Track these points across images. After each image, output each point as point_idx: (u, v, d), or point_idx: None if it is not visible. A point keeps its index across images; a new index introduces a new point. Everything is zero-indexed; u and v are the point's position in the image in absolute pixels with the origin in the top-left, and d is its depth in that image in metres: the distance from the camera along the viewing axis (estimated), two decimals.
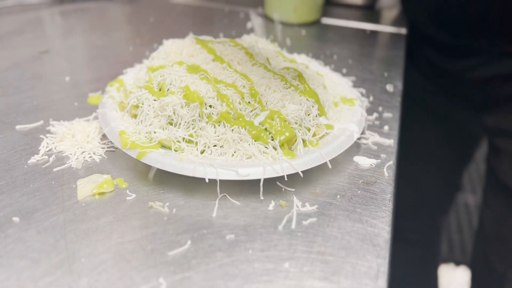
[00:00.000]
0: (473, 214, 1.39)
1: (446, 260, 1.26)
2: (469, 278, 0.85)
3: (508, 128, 0.67)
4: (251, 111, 0.41)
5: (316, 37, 0.75)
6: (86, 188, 0.38)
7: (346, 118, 0.45)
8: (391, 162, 0.43)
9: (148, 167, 0.40)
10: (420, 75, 0.76)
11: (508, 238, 0.70)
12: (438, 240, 0.96)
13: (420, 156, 0.83)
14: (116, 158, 0.42)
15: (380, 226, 0.35)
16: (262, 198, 0.37)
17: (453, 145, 0.82)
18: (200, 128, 0.39)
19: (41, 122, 0.47)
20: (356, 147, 0.45)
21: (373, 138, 0.46)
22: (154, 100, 0.42)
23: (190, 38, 0.50)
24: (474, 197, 1.45)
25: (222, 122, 0.40)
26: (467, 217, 1.40)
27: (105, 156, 0.42)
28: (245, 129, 0.39)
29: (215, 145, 0.39)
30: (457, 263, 1.26)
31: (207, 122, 0.39)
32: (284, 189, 0.39)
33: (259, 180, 0.37)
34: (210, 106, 0.40)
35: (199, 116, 0.40)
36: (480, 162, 1.26)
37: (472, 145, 0.84)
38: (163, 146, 0.40)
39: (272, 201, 0.37)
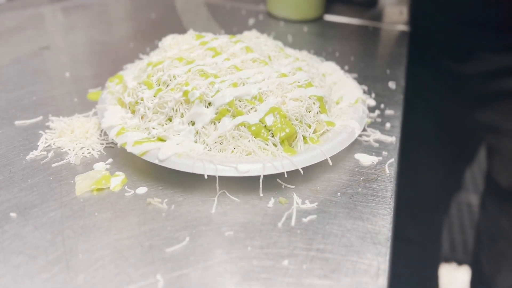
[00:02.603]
0: (475, 214, 1.39)
1: (448, 260, 1.26)
2: (468, 278, 0.84)
3: (499, 126, 0.67)
4: (251, 108, 0.40)
5: (318, 34, 0.74)
6: (84, 184, 0.37)
7: (347, 115, 0.44)
8: (393, 160, 0.42)
9: (147, 163, 0.39)
10: (423, 73, 0.75)
11: (497, 238, 0.69)
12: (438, 239, 0.95)
13: (421, 154, 0.83)
14: (115, 154, 0.41)
15: (381, 224, 0.35)
16: (261, 195, 0.37)
17: (455, 144, 0.81)
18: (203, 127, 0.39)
19: (41, 117, 0.46)
20: (357, 144, 0.44)
21: (374, 135, 0.45)
22: (154, 96, 0.41)
23: (190, 34, 0.50)
24: (476, 196, 1.44)
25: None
26: (469, 216, 1.39)
27: (104, 152, 0.42)
28: (244, 126, 0.39)
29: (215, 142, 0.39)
30: (459, 262, 1.25)
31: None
32: (284, 186, 0.38)
33: (259, 176, 0.36)
34: (210, 103, 0.39)
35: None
36: (482, 161, 1.25)
37: (474, 144, 0.83)
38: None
39: (272, 198, 0.37)
